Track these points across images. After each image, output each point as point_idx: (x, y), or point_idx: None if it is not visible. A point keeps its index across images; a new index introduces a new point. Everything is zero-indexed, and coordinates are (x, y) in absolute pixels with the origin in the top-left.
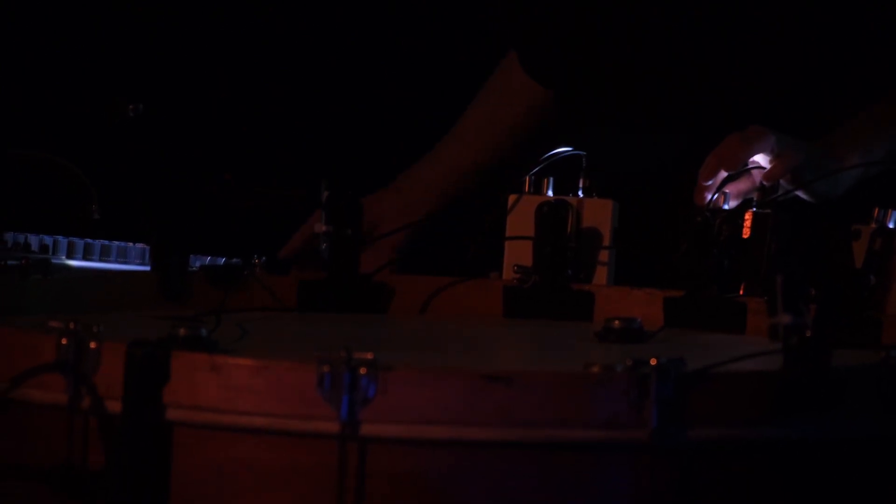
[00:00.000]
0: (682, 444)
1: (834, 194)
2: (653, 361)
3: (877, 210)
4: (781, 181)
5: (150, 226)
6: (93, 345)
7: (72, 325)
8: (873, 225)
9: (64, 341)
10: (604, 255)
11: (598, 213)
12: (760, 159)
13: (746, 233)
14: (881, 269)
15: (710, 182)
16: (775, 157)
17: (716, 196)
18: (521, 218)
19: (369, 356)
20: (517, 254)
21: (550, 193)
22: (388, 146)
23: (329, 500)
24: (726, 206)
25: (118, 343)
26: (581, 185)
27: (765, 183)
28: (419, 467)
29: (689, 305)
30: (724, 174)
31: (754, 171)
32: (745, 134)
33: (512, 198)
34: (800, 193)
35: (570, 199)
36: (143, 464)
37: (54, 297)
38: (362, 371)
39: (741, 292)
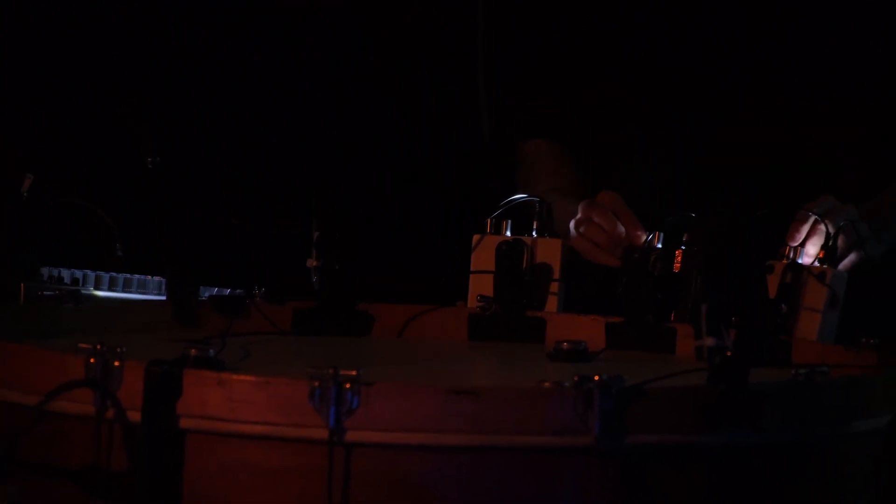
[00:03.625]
0: (621, 448)
1: (879, 254)
2: (596, 378)
3: (788, 248)
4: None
5: (166, 261)
6: (117, 364)
7: (99, 347)
8: (785, 261)
9: (92, 361)
10: (554, 287)
11: (549, 251)
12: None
13: (677, 268)
14: (791, 299)
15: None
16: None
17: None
18: (483, 255)
19: (353, 373)
20: (480, 285)
21: (509, 234)
22: (371, 192)
23: (319, 496)
24: (799, 260)
25: (139, 362)
26: (534, 226)
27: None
28: (397, 469)
29: (628, 330)
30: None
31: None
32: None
33: (476, 237)
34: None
35: (525, 238)
36: (160, 466)
37: (84, 323)
38: (347, 386)
39: (672, 319)
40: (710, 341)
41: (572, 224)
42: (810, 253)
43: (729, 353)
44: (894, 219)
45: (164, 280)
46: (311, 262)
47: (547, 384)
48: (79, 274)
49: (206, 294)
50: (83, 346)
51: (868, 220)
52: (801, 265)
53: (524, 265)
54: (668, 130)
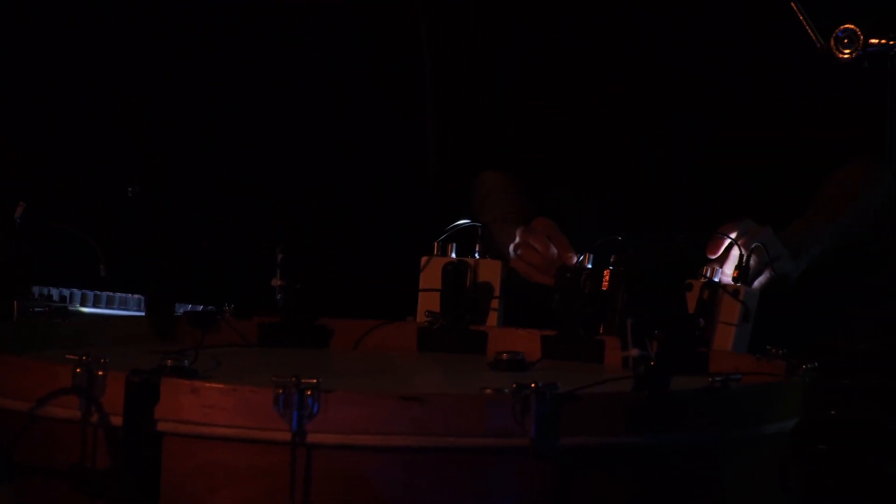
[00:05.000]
0: (555, 449)
1: (794, 275)
2: (533, 385)
3: (705, 268)
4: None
5: (145, 281)
6: (100, 373)
7: (84, 358)
8: (703, 279)
9: (78, 370)
10: (495, 304)
11: (490, 271)
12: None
13: (605, 286)
14: (708, 314)
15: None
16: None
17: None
18: (431, 275)
19: (314, 381)
20: (428, 302)
21: (454, 255)
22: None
23: (283, 492)
24: (716, 279)
25: (120, 372)
26: (477, 249)
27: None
28: (352, 467)
29: (561, 342)
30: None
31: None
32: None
33: (424, 259)
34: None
35: (468, 260)
36: (140, 466)
37: (71, 336)
38: (308, 393)
39: (601, 332)
40: (635, 352)
41: (511, 247)
42: (726, 272)
43: (652, 363)
44: (814, 241)
45: (143, 297)
46: (276, 282)
47: (488, 391)
48: (66, 292)
49: (181, 310)
50: (70, 357)
51: (789, 242)
52: (716, 283)
53: (468, 284)
54: (607, 164)
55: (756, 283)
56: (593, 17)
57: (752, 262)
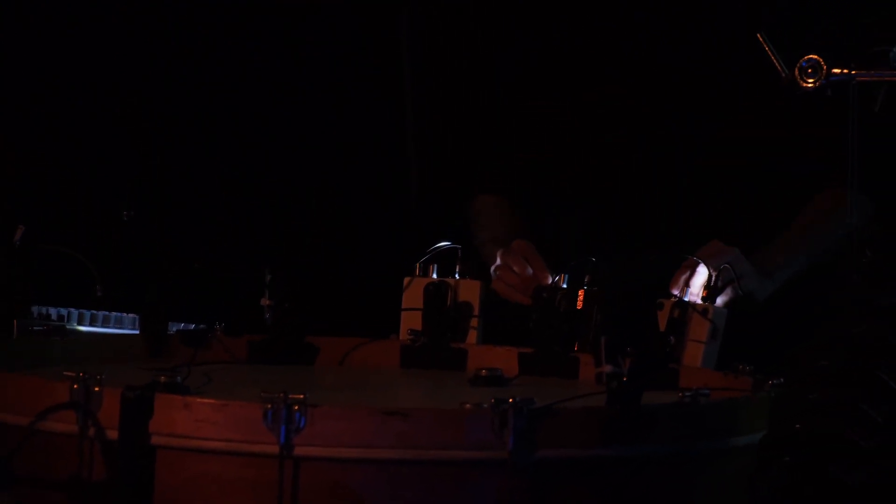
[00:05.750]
0: (532, 461)
1: (761, 298)
2: (510, 400)
3: (675, 287)
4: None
5: (139, 300)
6: (97, 389)
7: (81, 374)
8: (673, 299)
9: (76, 386)
10: (474, 322)
11: (470, 291)
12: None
13: (580, 305)
14: (678, 332)
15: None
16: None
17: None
18: (413, 294)
19: (301, 396)
20: (411, 321)
21: (435, 276)
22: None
23: (271, 503)
24: (686, 298)
25: (116, 388)
26: (458, 270)
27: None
28: (338, 479)
29: (538, 359)
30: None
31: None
32: (710, 250)
33: (406, 280)
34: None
35: (449, 280)
36: (135, 477)
37: (68, 354)
38: (296, 408)
39: (576, 349)
40: (608, 368)
41: (492, 269)
42: (695, 292)
43: (625, 379)
44: (787, 263)
45: (137, 317)
46: (265, 301)
47: (468, 406)
48: (64, 311)
49: (174, 328)
50: (68, 373)
51: (761, 262)
52: (686, 302)
53: (448, 303)
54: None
55: (719, 301)
56: (578, 26)
57: (719, 282)
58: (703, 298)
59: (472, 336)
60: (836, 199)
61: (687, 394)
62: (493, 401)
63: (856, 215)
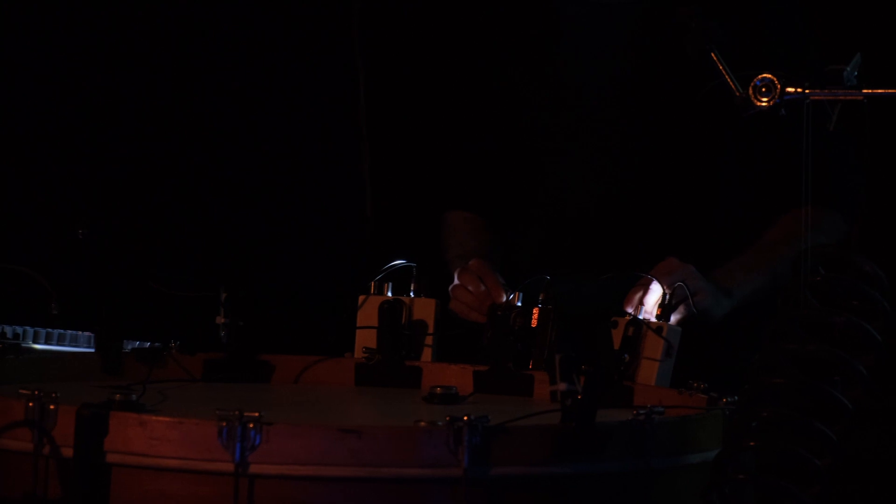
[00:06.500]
0: (487, 478)
1: (717, 315)
2: (465, 418)
3: (629, 306)
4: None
5: (95, 319)
6: (52, 407)
7: (36, 392)
8: (627, 317)
9: (31, 404)
10: (429, 340)
11: (425, 309)
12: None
13: (534, 323)
14: (633, 350)
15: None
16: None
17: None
18: (368, 312)
19: (256, 414)
20: (366, 339)
21: (390, 294)
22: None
23: None
24: (640, 316)
25: (71, 406)
26: (412, 288)
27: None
28: (292, 496)
29: (492, 377)
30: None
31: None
32: (664, 267)
33: (361, 297)
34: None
35: (404, 298)
36: (90, 496)
37: (24, 372)
38: (251, 425)
39: (530, 367)
40: (562, 386)
41: (450, 288)
42: (649, 310)
43: (579, 396)
44: (747, 280)
45: (92, 335)
46: (220, 319)
47: (423, 423)
48: (19, 330)
49: (129, 346)
50: (23, 391)
51: (721, 280)
52: (641, 320)
53: (403, 321)
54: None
55: (674, 319)
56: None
57: (673, 299)
58: (657, 316)
59: (427, 354)
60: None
61: (641, 411)
62: (447, 418)
63: (810, 232)
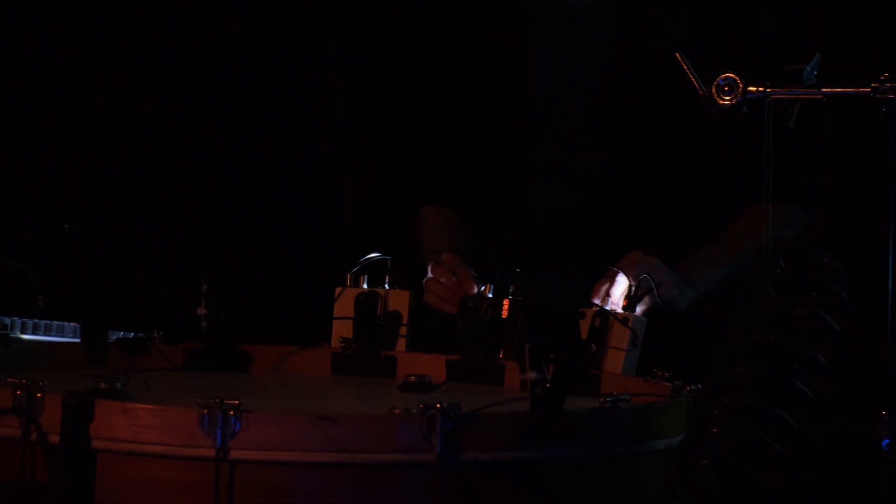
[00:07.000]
0: (459, 463)
1: (682, 305)
2: (438, 405)
3: (597, 297)
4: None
5: (80, 310)
6: (39, 395)
7: (24, 381)
8: (594, 308)
9: (18, 392)
10: (403, 330)
11: (399, 301)
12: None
13: (504, 314)
14: (600, 340)
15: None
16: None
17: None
18: (344, 304)
19: (236, 402)
20: (342, 329)
21: (366, 286)
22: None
23: None
24: (607, 307)
25: (57, 394)
26: (387, 280)
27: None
28: (271, 481)
29: (464, 366)
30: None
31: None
32: (630, 260)
33: (338, 290)
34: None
35: (379, 290)
36: (75, 481)
37: (11, 361)
38: (231, 413)
39: (500, 357)
40: (532, 375)
41: (424, 281)
42: (615, 301)
43: (548, 385)
44: (711, 271)
45: (78, 325)
46: (201, 311)
47: (397, 410)
48: (7, 320)
49: (114, 337)
50: (11, 380)
51: (686, 271)
52: (607, 311)
53: (378, 312)
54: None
55: (639, 309)
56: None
57: (639, 291)
58: (623, 307)
59: (402, 344)
60: (774, 212)
61: (608, 399)
62: (421, 406)
63: (770, 227)
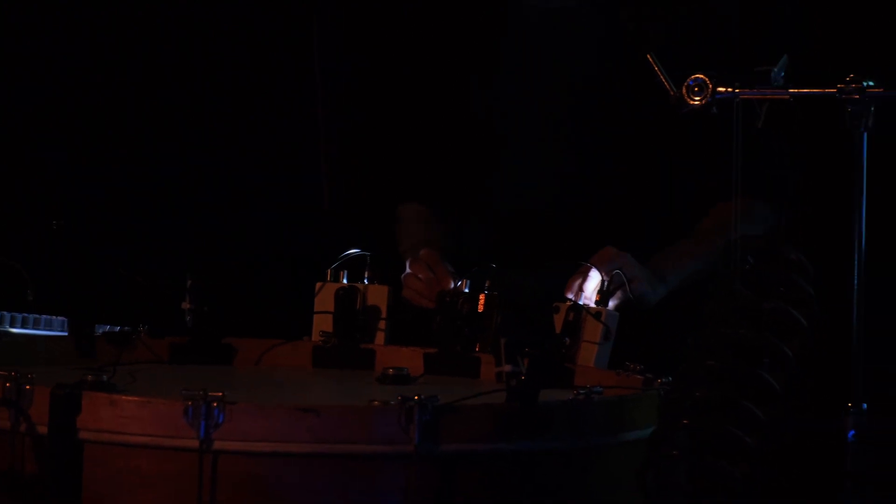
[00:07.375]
0: (437, 454)
1: (653, 300)
2: (416, 397)
3: (570, 292)
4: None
5: (68, 304)
6: (28, 387)
7: (13, 374)
8: (568, 303)
9: (8, 385)
10: (382, 324)
11: (378, 295)
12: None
13: (481, 308)
14: (573, 334)
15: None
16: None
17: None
18: (325, 298)
19: (220, 394)
20: (322, 323)
21: (345, 281)
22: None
23: (192, 494)
24: (580, 302)
25: (46, 386)
26: (366, 275)
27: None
28: (253, 471)
29: (441, 359)
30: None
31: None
32: (602, 256)
33: (318, 285)
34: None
35: (358, 285)
36: (64, 471)
37: (1, 354)
38: (215, 405)
39: (477, 350)
40: (507, 368)
41: (402, 276)
42: (588, 295)
43: (523, 377)
44: (680, 267)
45: (66, 319)
46: (185, 305)
47: (376, 402)
48: None
49: (101, 330)
50: (0, 372)
51: (656, 266)
52: (581, 306)
53: (358, 307)
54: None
55: (611, 304)
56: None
57: (611, 286)
58: (596, 302)
59: (380, 337)
60: (742, 209)
61: (581, 391)
62: (399, 398)
63: (739, 223)
